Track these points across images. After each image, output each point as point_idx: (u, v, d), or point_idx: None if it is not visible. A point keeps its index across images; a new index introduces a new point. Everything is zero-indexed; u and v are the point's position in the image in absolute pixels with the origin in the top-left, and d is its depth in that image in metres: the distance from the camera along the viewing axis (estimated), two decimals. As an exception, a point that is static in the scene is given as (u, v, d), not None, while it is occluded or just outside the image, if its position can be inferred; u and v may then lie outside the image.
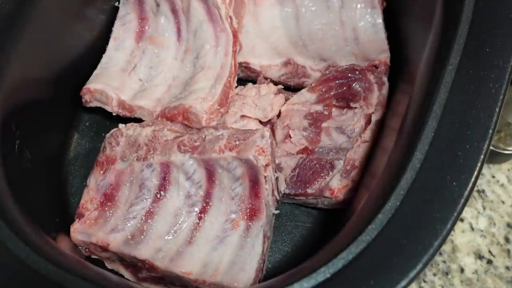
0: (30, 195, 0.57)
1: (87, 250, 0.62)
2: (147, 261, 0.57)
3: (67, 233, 0.61)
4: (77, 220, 0.61)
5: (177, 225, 0.59)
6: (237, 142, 0.57)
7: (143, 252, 0.57)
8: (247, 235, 0.57)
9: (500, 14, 0.50)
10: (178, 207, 0.59)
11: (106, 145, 0.64)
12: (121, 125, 0.65)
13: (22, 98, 0.59)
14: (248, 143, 0.56)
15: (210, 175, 0.59)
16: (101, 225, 0.60)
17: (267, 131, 0.57)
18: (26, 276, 0.44)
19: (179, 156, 0.59)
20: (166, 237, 0.58)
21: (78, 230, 0.60)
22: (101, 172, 0.63)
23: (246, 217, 0.58)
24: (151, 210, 0.59)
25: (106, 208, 0.61)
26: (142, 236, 0.58)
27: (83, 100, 0.69)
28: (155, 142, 0.61)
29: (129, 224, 0.59)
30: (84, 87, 0.68)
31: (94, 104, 0.69)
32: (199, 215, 0.59)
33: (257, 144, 0.56)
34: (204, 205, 0.59)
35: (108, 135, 0.65)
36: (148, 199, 0.60)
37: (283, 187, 0.63)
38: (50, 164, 0.67)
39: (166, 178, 0.60)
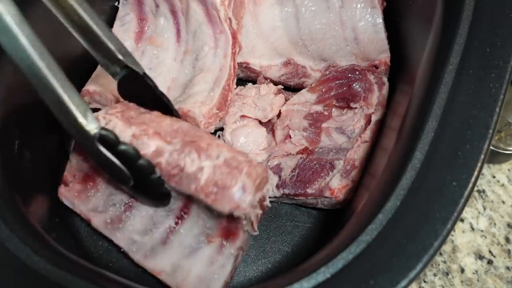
0: (30, 195, 0.57)
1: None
2: (122, 250, 0.57)
3: (67, 233, 0.61)
4: (63, 185, 0.61)
5: (153, 225, 0.57)
6: (214, 189, 0.50)
7: (120, 240, 0.57)
8: (219, 253, 0.55)
9: (500, 14, 0.50)
10: (154, 210, 0.58)
11: None
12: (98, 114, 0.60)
13: (22, 98, 0.59)
14: (225, 195, 0.49)
15: (189, 198, 0.55)
16: (83, 200, 0.59)
17: (250, 183, 0.49)
18: (26, 276, 0.44)
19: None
20: (142, 234, 0.57)
21: (64, 196, 0.60)
22: (80, 157, 0.60)
23: (221, 235, 0.55)
24: (130, 204, 0.58)
25: (88, 187, 0.59)
26: (120, 225, 0.58)
27: (82, 101, 0.69)
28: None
29: (109, 209, 0.58)
30: (83, 88, 0.68)
31: (93, 105, 0.69)
32: (176, 220, 0.57)
33: (234, 200, 0.49)
34: (182, 214, 0.57)
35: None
36: (126, 194, 0.58)
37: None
38: (50, 164, 0.67)
39: None
